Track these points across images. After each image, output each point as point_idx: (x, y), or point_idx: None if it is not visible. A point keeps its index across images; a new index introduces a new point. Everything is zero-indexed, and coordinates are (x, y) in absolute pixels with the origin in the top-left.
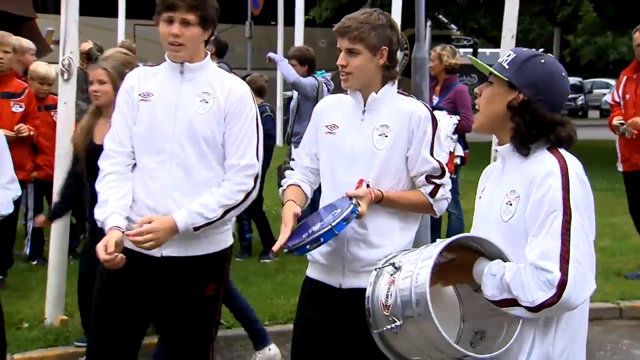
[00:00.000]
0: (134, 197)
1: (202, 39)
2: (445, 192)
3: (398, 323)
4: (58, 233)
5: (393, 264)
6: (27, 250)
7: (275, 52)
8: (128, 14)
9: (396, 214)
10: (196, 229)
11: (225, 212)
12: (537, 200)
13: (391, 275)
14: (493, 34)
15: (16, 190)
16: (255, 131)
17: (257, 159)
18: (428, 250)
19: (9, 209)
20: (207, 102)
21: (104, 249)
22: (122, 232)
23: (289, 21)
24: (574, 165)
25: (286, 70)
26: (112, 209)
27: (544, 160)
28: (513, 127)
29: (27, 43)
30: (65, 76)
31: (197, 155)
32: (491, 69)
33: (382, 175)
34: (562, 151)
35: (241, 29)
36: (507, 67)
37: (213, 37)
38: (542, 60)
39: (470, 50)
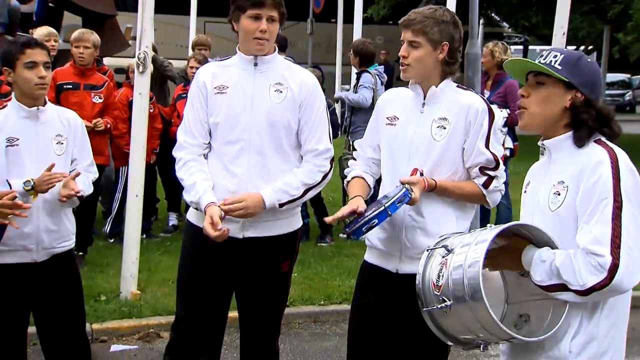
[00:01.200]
0: (215, 183)
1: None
2: (498, 184)
3: (448, 303)
4: (132, 214)
5: (445, 246)
6: (108, 229)
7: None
8: (199, 12)
9: (452, 203)
10: (281, 205)
11: (306, 191)
12: (589, 188)
13: (443, 257)
14: (543, 31)
15: (94, 173)
16: (327, 118)
17: (331, 143)
18: (481, 235)
19: (89, 190)
20: (281, 92)
21: (211, 227)
22: (219, 207)
23: (348, 19)
24: (622, 155)
25: (352, 99)
26: (202, 189)
27: (593, 151)
28: (575, 123)
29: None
30: (141, 69)
31: (273, 142)
32: (551, 70)
33: (439, 165)
34: (609, 143)
35: (303, 25)
36: (559, 67)
37: None
38: (589, 60)
39: (521, 47)
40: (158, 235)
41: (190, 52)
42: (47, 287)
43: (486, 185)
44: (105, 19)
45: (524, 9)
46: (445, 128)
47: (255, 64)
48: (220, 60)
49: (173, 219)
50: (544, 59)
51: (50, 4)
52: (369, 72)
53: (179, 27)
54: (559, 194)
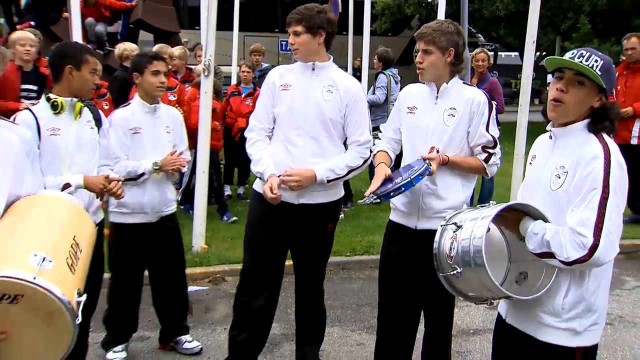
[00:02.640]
0: (277, 159)
1: (315, 43)
2: (496, 160)
3: (459, 270)
4: (200, 186)
5: (455, 223)
6: (179, 198)
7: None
8: (240, 28)
9: (459, 174)
10: (329, 181)
11: (349, 172)
12: (582, 177)
13: (454, 232)
14: (507, 40)
15: (188, 157)
16: (368, 116)
17: (371, 135)
18: (485, 212)
19: (184, 169)
20: (331, 92)
21: (270, 191)
22: (278, 177)
23: (358, 31)
24: (615, 151)
25: (368, 100)
26: (267, 162)
27: (592, 144)
28: (595, 120)
29: (171, 50)
30: (206, 72)
31: (323, 130)
32: (592, 71)
33: (449, 145)
34: (606, 137)
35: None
36: (600, 73)
37: None
38: (613, 66)
39: (492, 53)
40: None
41: (234, 60)
42: (159, 240)
43: (487, 160)
44: (170, 35)
45: (495, 23)
46: (454, 116)
47: (313, 69)
48: (287, 64)
49: (227, 190)
50: (586, 61)
51: (131, 25)
52: (384, 74)
53: (225, 40)
54: (560, 177)
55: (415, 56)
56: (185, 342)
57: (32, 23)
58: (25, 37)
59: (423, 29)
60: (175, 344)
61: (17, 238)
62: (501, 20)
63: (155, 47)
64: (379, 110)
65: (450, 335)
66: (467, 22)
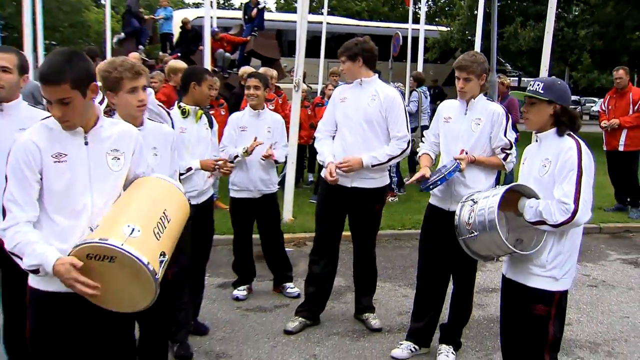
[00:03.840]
0: (336, 152)
1: (355, 66)
2: (512, 158)
3: (475, 233)
4: (289, 172)
5: (473, 200)
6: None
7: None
8: (325, 56)
9: (483, 169)
10: (373, 165)
11: (389, 159)
12: (563, 162)
13: (471, 206)
14: (529, 69)
15: (287, 150)
16: (405, 116)
17: (408, 132)
18: (495, 191)
19: (282, 159)
20: (374, 100)
21: (330, 174)
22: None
23: (414, 59)
24: (583, 144)
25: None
26: (327, 153)
27: (567, 141)
28: (557, 122)
29: (272, 72)
30: (296, 89)
31: (370, 129)
32: (537, 95)
33: (475, 147)
34: (576, 136)
35: (386, 63)
36: (542, 91)
37: None
38: (559, 82)
39: (517, 78)
40: (302, 186)
41: (320, 79)
42: (262, 212)
43: (505, 159)
44: (273, 61)
45: (519, 56)
46: (479, 124)
47: (361, 84)
48: (344, 84)
49: (311, 177)
50: (532, 87)
51: (245, 54)
52: (417, 91)
53: (314, 65)
54: (545, 166)
55: (457, 79)
56: (289, 287)
57: (179, 54)
58: (180, 65)
59: (462, 62)
60: (282, 289)
61: (119, 212)
62: (524, 54)
63: (261, 69)
64: (411, 118)
65: (472, 292)
66: (497, 54)
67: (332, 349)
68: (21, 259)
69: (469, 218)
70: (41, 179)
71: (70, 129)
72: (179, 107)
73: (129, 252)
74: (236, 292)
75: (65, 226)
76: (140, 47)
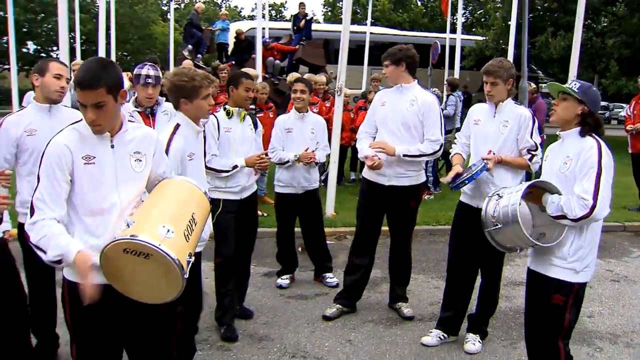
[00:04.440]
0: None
1: (399, 71)
2: (538, 159)
3: (499, 226)
4: (332, 171)
5: (498, 195)
6: (323, 178)
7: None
8: (368, 63)
9: (510, 169)
10: (404, 155)
11: (420, 155)
12: (584, 161)
13: (496, 200)
14: (560, 76)
15: (327, 151)
16: (440, 121)
17: (441, 136)
18: (518, 187)
19: (323, 159)
20: (413, 105)
21: (371, 164)
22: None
23: (451, 66)
24: (604, 144)
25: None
26: (367, 150)
27: (588, 141)
28: (582, 123)
29: (319, 78)
30: (339, 93)
31: (406, 132)
32: (570, 91)
33: (503, 148)
34: (597, 137)
35: (426, 70)
36: (577, 91)
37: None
38: (594, 89)
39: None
40: (344, 184)
41: (364, 85)
42: (304, 207)
43: (530, 159)
44: (320, 68)
45: (550, 63)
46: (507, 126)
47: (400, 89)
48: (384, 88)
49: (353, 175)
50: (569, 85)
51: (294, 61)
52: (454, 95)
53: (358, 72)
54: (567, 164)
55: (485, 83)
56: (328, 277)
57: (233, 62)
58: (254, 73)
59: (490, 67)
60: (322, 278)
61: (154, 213)
62: (555, 62)
63: (306, 75)
64: (448, 121)
65: (499, 284)
66: (529, 62)
67: (366, 335)
68: (44, 252)
69: (493, 211)
70: (71, 180)
71: (99, 133)
72: (224, 108)
73: (165, 252)
74: (280, 281)
75: (95, 223)
76: (199, 55)
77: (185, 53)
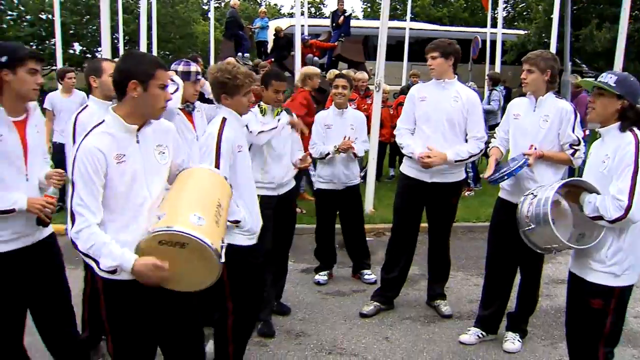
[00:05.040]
0: (417, 147)
1: (446, 65)
2: (580, 154)
3: (533, 226)
4: (371, 168)
5: (533, 194)
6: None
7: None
8: (408, 59)
9: (551, 165)
10: (456, 161)
11: (470, 157)
12: (620, 158)
13: (531, 199)
14: (605, 70)
15: (367, 146)
16: (483, 117)
17: (485, 133)
18: (552, 187)
19: (361, 154)
20: (456, 101)
21: (423, 159)
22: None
23: (492, 61)
24: None
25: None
26: (413, 146)
27: (627, 137)
28: (621, 117)
29: (361, 75)
30: (377, 89)
31: (450, 128)
32: (607, 87)
33: (543, 142)
34: (636, 130)
35: (466, 66)
36: (614, 85)
37: None
38: (632, 78)
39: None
40: (383, 180)
41: (403, 81)
42: (345, 202)
43: (573, 154)
44: (359, 64)
45: (595, 56)
46: (547, 121)
47: (443, 84)
48: (423, 82)
49: (392, 171)
50: (603, 79)
51: (333, 58)
52: (497, 90)
53: (397, 67)
54: (604, 162)
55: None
56: (366, 274)
57: (272, 60)
58: (313, 71)
59: (529, 55)
60: (360, 275)
61: (183, 203)
62: (600, 55)
63: (345, 72)
64: (492, 116)
65: (539, 282)
66: (573, 55)
67: (403, 332)
68: (95, 260)
69: (527, 211)
70: (104, 181)
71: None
72: (258, 106)
73: (201, 240)
74: (317, 277)
75: (127, 219)
76: (239, 54)
77: (240, 62)
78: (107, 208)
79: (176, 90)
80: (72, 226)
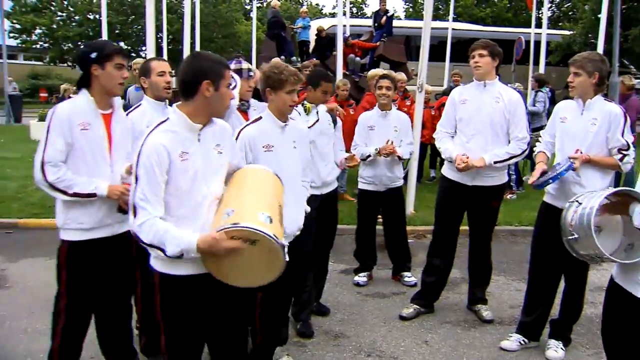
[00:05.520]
0: (457, 150)
1: (491, 65)
2: (630, 159)
3: (576, 235)
4: (413, 169)
5: (577, 201)
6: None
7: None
8: (451, 59)
9: (598, 170)
10: (495, 162)
11: (510, 158)
12: None
13: (576, 207)
14: None
15: (412, 148)
16: (526, 118)
17: (528, 134)
18: (600, 194)
19: (407, 156)
20: (498, 102)
21: (461, 161)
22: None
23: (536, 62)
24: None
25: (531, 110)
26: (453, 150)
27: None
28: None
29: (400, 76)
30: (420, 90)
31: (492, 130)
32: None
33: (591, 146)
34: None
35: (509, 67)
36: None
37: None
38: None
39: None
40: (424, 182)
41: (445, 82)
42: (388, 205)
43: (621, 159)
44: (401, 64)
45: None
46: (595, 124)
47: (484, 86)
48: (464, 85)
49: (433, 173)
50: None
51: (375, 58)
52: (542, 92)
53: (439, 68)
54: None
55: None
56: (406, 276)
57: (314, 59)
58: (375, 72)
59: (576, 57)
60: (401, 277)
61: (249, 201)
62: None
63: (386, 72)
64: (536, 118)
65: (584, 289)
66: (622, 56)
67: (443, 336)
68: (160, 249)
69: (571, 219)
70: (167, 178)
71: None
72: (302, 104)
73: (274, 238)
74: (357, 278)
75: (187, 216)
76: (282, 57)
77: (298, 64)
78: (167, 204)
79: (234, 87)
80: (135, 219)
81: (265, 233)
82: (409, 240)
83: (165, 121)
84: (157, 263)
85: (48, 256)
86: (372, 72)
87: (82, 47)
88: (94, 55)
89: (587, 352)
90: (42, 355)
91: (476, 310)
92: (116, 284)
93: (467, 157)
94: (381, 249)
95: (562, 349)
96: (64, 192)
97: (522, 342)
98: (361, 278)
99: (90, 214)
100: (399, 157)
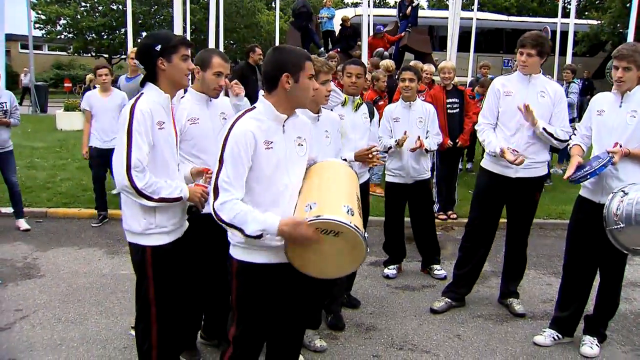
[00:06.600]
0: (500, 142)
1: (539, 63)
2: None
3: (622, 225)
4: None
5: (623, 191)
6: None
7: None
8: (475, 50)
9: (638, 163)
10: (543, 129)
11: (553, 136)
12: None
13: (621, 197)
14: None
15: (440, 140)
16: (567, 110)
17: (569, 124)
18: None
19: (434, 147)
20: (544, 96)
21: (511, 155)
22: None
23: (562, 52)
24: None
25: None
26: (497, 143)
27: None
28: None
29: (427, 67)
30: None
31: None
32: None
33: (630, 140)
34: None
35: (552, 58)
36: None
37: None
38: None
39: None
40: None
41: (470, 73)
42: (415, 198)
43: None
44: (425, 55)
45: None
46: (634, 117)
47: (529, 80)
48: (506, 75)
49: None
50: None
51: (400, 49)
52: (574, 82)
53: (463, 59)
54: None
55: (608, 71)
56: (436, 269)
57: (339, 49)
58: (419, 66)
59: (623, 51)
60: (430, 270)
61: (332, 194)
62: None
63: (412, 63)
64: (569, 110)
65: (620, 285)
66: None
67: (475, 330)
68: (239, 229)
69: (617, 209)
70: (251, 165)
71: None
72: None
73: (358, 231)
74: (387, 271)
75: (268, 204)
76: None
77: (325, 55)
78: (252, 190)
79: None
80: (216, 200)
81: (348, 225)
82: (437, 233)
83: (252, 109)
84: (236, 251)
85: (77, 245)
86: (386, 63)
87: (143, 39)
88: (158, 47)
89: (622, 348)
90: (76, 344)
91: (508, 304)
92: (185, 281)
93: (517, 151)
94: (409, 241)
95: (597, 345)
96: (150, 198)
97: (556, 337)
98: (391, 271)
99: (171, 217)
100: (426, 149)
